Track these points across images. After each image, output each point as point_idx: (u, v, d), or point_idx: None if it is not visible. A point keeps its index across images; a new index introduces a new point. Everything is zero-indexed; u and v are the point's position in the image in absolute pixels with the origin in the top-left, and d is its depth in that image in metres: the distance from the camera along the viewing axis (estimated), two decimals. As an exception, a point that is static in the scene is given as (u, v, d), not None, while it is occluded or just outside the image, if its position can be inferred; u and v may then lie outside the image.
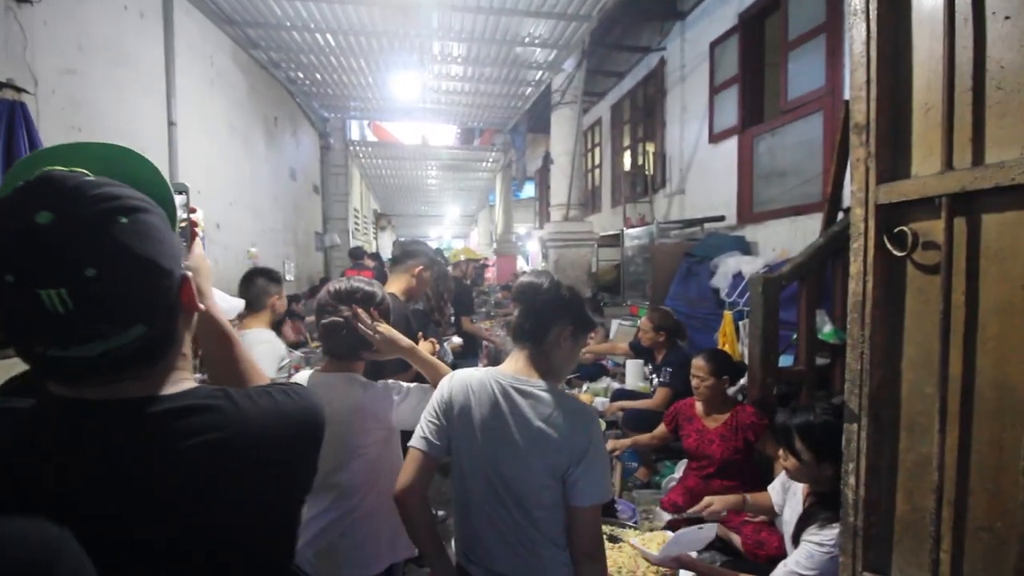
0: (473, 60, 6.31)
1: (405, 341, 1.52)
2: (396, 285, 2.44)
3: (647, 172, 6.91)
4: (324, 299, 1.52)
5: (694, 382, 2.46)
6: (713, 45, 5.32)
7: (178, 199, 0.82)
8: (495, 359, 4.84)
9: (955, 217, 1.05)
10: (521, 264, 12.22)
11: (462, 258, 5.60)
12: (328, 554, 1.43)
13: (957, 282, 1.04)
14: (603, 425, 3.34)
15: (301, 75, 6.88)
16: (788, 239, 4.18)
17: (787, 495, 1.85)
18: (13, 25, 2.58)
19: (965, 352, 1.03)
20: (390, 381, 1.53)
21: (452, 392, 1.28)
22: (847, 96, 3.49)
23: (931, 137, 1.10)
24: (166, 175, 3.08)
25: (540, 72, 6.71)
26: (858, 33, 1.21)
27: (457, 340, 3.61)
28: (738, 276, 3.95)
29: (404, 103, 7.90)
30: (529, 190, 14.51)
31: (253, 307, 2.51)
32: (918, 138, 1.14)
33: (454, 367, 4.41)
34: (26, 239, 0.53)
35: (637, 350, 3.80)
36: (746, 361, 2.75)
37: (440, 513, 2.89)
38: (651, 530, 2.16)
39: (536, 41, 5.71)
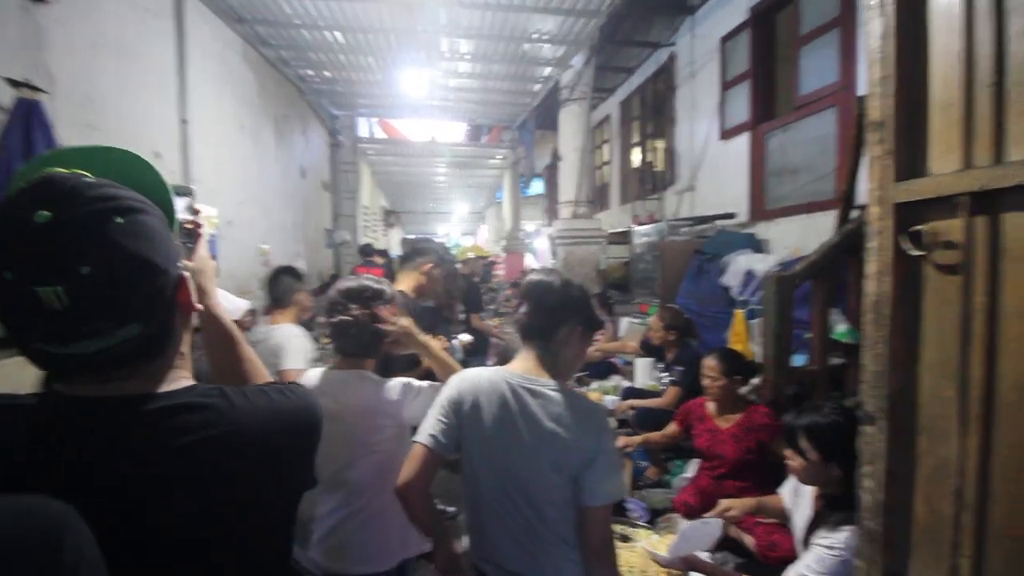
0: (481, 57, 6.30)
1: (422, 336, 1.56)
2: (406, 283, 2.45)
3: (656, 169, 6.86)
4: (334, 297, 1.53)
5: (706, 382, 2.45)
6: (724, 40, 5.26)
7: (183, 201, 0.85)
8: (504, 356, 4.84)
9: (975, 216, 1.03)
10: (530, 261, 12.21)
11: (471, 255, 5.61)
12: (340, 550, 1.45)
13: (977, 283, 1.02)
14: (613, 423, 3.33)
15: (311, 73, 6.90)
16: (800, 237, 4.13)
17: (797, 498, 1.83)
18: (29, 25, 2.61)
19: (986, 354, 1.01)
20: (402, 379, 1.53)
21: (462, 391, 1.28)
22: (861, 92, 3.45)
23: (950, 134, 1.08)
24: (179, 173, 3.13)
25: (548, 68, 6.68)
26: (874, 28, 1.19)
27: (467, 337, 3.62)
28: (749, 274, 3.92)
29: (413, 100, 7.90)
30: (537, 187, 14.47)
31: (280, 304, 2.65)
32: (936, 135, 1.12)
33: (464, 364, 4.42)
34: (25, 237, 0.54)
35: (647, 348, 3.79)
36: (758, 360, 2.72)
37: (451, 509, 2.89)
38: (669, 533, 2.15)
39: (544, 37, 5.68)
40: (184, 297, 0.67)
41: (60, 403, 0.62)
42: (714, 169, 5.56)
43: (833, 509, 1.58)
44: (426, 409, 1.44)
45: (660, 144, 6.86)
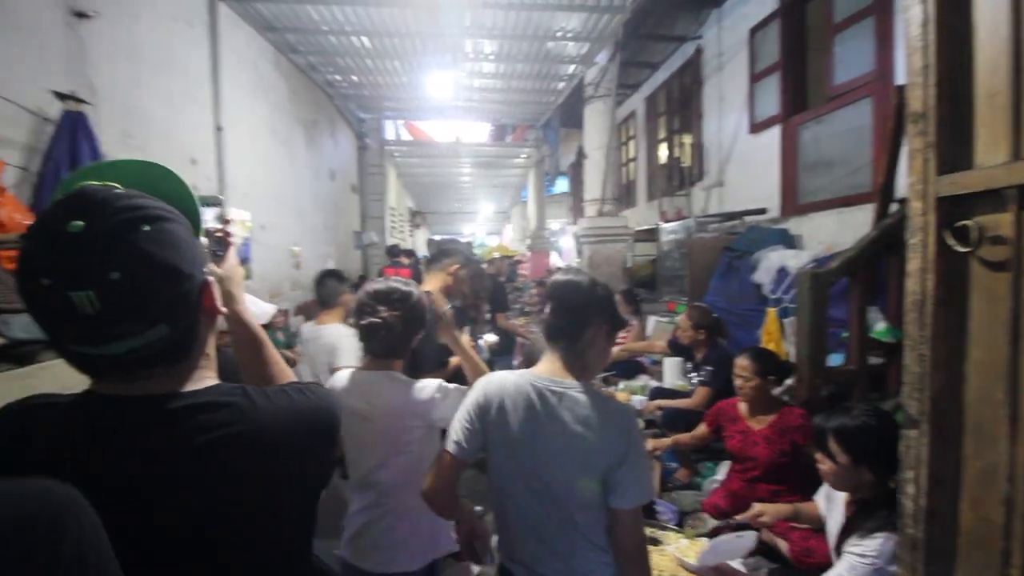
0: (505, 57, 6.31)
1: (457, 331, 1.70)
2: (433, 283, 2.48)
3: (684, 165, 6.75)
4: (363, 299, 1.55)
5: (738, 382, 2.39)
6: (753, 31, 5.14)
7: (212, 211, 0.91)
8: (530, 357, 4.84)
9: (1025, 210, 0.98)
10: (555, 260, 12.18)
11: (496, 255, 5.63)
12: (370, 549, 1.47)
13: (1029, 279, 0.98)
14: (641, 424, 3.30)
15: (339, 78, 7.03)
16: (835, 232, 4.01)
17: (830, 503, 1.78)
18: (73, 40, 2.73)
19: (1038, 355, 0.96)
20: (431, 380, 1.55)
21: (488, 395, 1.27)
22: (899, 81, 3.33)
23: (997, 125, 1.03)
24: (214, 179, 3.24)
25: (572, 66, 6.64)
26: (914, 15, 1.14)
27: (493, 337, 3.63)
28: (782, 271, 3.82)
29: (438, 102, 7.97)
30: (562, 185, 14.43)
31: (327, 305, 2.85)
32: (982, 126, 1.07)
33: (490, 364, 4.45)
34: (60, 246, 0.58)
35: (675, 348, 3.73)
36: (792, 360, 2.66)
37: (478, 508, 2.90)
38: (697, 535, 2.12)
39: (568, 35, 5.65)
40: (208, 301, 0.71)
41: (92, 402, 0.66)
42: (743, 164, 5.44)
43: (865, 515, 1.53)
44: (454, 412, 1.45)
45: (687, 139, 6.75)
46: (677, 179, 6.99)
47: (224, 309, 0.77)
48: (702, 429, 2.62)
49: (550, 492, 1.18)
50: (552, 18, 5.28)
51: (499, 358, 4.58)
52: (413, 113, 9.35)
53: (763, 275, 3.98)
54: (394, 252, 7.73)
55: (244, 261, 4.63)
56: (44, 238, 0.60)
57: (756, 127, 5.15)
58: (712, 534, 2.15)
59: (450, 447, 1.28)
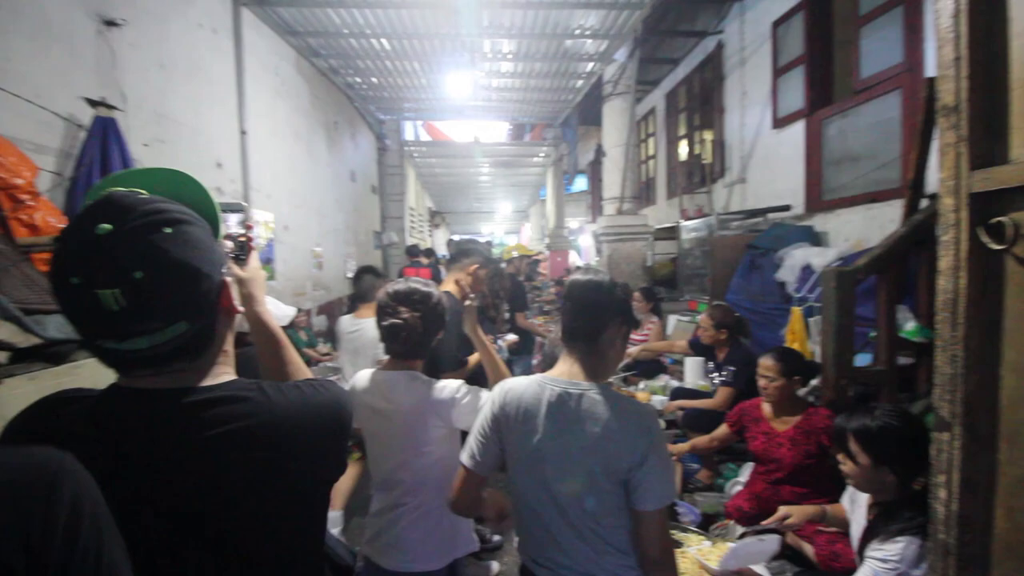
0: (523, 56, 6.31)
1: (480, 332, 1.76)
2: (452, 283, 2.49)
3: (704, 161, 6.65)
4: (383, 300, 1.57)
5: (762, 382, 2.35)
6: (776, 25, 5.04)
7: (235, 217, 0.95)
8: (550, 355, 4.83)
9: (1065, 206, 0.94)
10: (574, 259, 12.13)
11: (515, 254, 5.63)
12: (391, 547, 1.48)
13: (1068, 278, 0.94)
14: (662, 424, 3.27)
15: (359, 80, 7.11)
16: (862, 229, 3.91)
17: (853, 506, 1.74)
18: (104, 48, 2.82)
19: (1079, 356, 0.92)
20: (451, 380, 1.56)
21: (504, 403, 1.27)
22: (929, 73, 3.23)
23: (1035, 117, 1.00)
24: (239, 181, 3.33)
25: (591, 64, 6.60)
26: (945, 5, 1.11)
27: (512, 337, 3.63)
28: (807, 269, 3.74)
29: (456, 102, 8.01)
30: (581, 184, 14.36)
31: (364, 299, 3.04)
32: (1017, 119, 1.03)
33: (509, 364, 4.44)
34: (88, 247, 0.63)
35: (697, 348, 3.68)
36: (818, 360, 2.60)
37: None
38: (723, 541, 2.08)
39: (587, 32, 5.62)
40: (226, 300, 0.75)
41: (116, 394, 0.70)
42: (766, 159, 5.34)
43: (888, 518, 1.49)
44: (472, 413, 1.46)
45: (708, 136, 6.65)
46: (698, 176, 6.89)
47: (241, 308, 0.80)
48: (723, 430, 2.58)
49: (572, 497, 1.17)
50: (570, 16, 5.25)
51: (518, 357, 4.59)
52: (432, 114, 9.40)
53: (787, 273, 3.91)
54: (413, 252, 7.79)
55: (267, 262, 4.72)
56: (74, 240, 0.64)
57: (779, 122, 5.05)
58: (734, 514, 2.11)
59: (466, 461, 1.30)
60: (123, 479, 0.65)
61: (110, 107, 2.69)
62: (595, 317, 1.26)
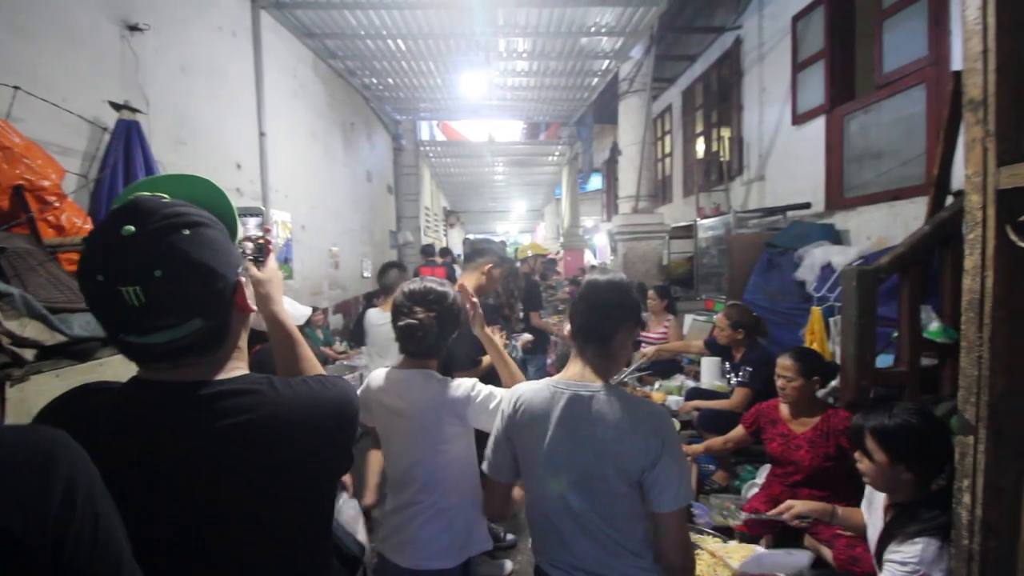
0: (538, 54, 6.30)
1: (489, 332, 1.73)
2: (467, 282, 2.50)
3: (722, 159, 6.57)
4: (400, 300, 1.57)
5: (780, 383, 2.31)
6: (795, 19, 4.95)
7: (253, 220, 1.02)
8: (563, 355, 4.82)
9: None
10: (589, 258, 12.08)
11: (530, 253, 5.63)
12: (406, 545, 1.49)
13: (1101, 277, 0.91)
14: (677, 425, 3.24)
15: (375, 81, 7.17)
16: (885, 226, 3.82)
17: (871, 509, 1.71)
18: (127, 52, 2.88)
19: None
20: (466, 379, 1.56)
21: (515, 409, 1.27)
22: (955, 67, 3.14)
23: (1066, 111, 0.96)
24: (257, 182, 3.40)
25: (607, 61, 6.57)
26: (972, -2, 1.08)
27: (527, 336, 3.63)
28: (827, 268, 3.67)
29: (471, 101, 8.03)
30: (596, 182, 14.29)
31: (389, 292, 3.21)
32: (1048, 113, 1.00)
33: (523, 363, 4.40)
34: (113, 247, 0.67)
35: (713, 348, 3.64)
36: (838, 361, 2.55)
37: (510, 536, 2.87)
38: (732, 529, 2.06)
39: (602, 30, 5.59)
40: (241, 299, 0.78)
41: (136, 386, 0.74)
42: (785, 157, 5.26)
43: (906, 519, 1.46)
44: (487, 411, 1.46)
45: (726, 133, 6.56)
46: (715, 174, 6.81)
47: (255, 307, 0.84)
48: (739, 432, 2.55)
49: (586, 501, 1.17)
50: (586, 13, 5.23)
51: (533, 357, 4.59)
52: (447, 113, 9.44)
53: (806, 272, 3.84)
54: (428, 251, 7.83)
55: (285, 261, 4.79)
56: (101, 240, 0.69)
57: (799, 118, 4.96)
58: (744, 526, 2.08)
59: (485, 468, 1.34)
60: (141, 464, 0.69)
61: (133, 110, 2.75)
62: (610, 318, 1.25)
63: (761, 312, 3.65)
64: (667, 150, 8.78)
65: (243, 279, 0.79)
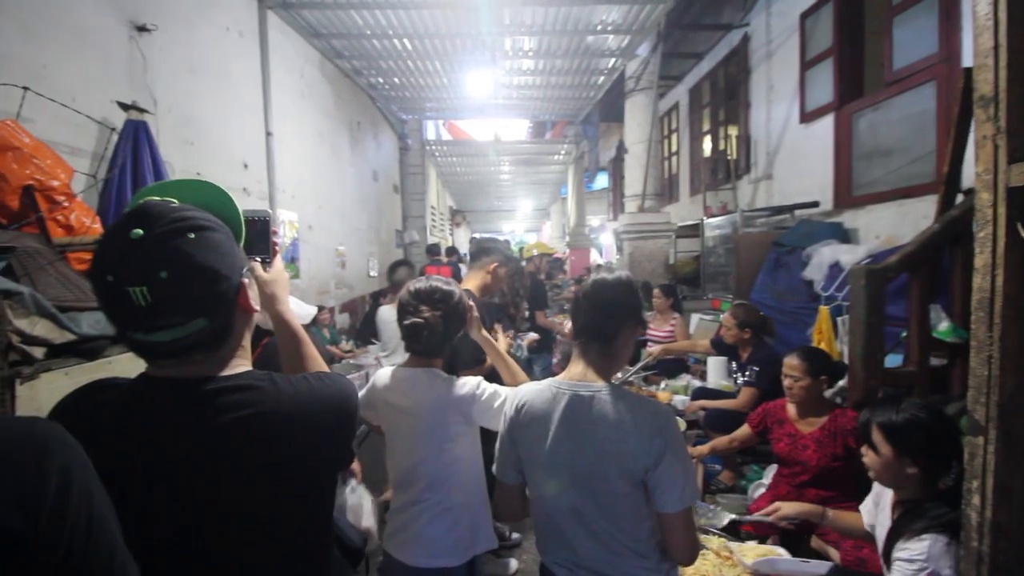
0: (544, 53, 6.28)
1: (486, 334, 1.71)
2: (472, 281, 2.50)
3: (729, 157, 6.53)
4: (405, 299, 1.58)
5: (787, 382, 2.30)
6: (804, 16, 4.91)
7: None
8: (568, 353, 4.80)
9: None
10: (595, 257, 12.06)
11: (535, 252, 5.62)
12: (413, 543, 1.50)
13: (1114, 276, 0.89)
14: (683, 424, 3.22)
15: (381, 80, 7.19)
16: (894, 225, 3.79)
17: (878, 508, 1.69)
18: (135, 52, 2.90)
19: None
20: (470, 377, 1.56)
21: (517, 411, 1.27)
22: (966, 63, 3.11)
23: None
24: (264, 182, 3.43)
25: (613, 60, 6.54)
26: (983, -8, 1.06)
27: (533, 335, 3.63)
28: (835, 267, 3.64)
29: (477, 100, 8.03)
30: (602, 181, 14.25)
31: (397, 290, 3.23)
32: (1060, 109, 0.99)
33: (528, 362, 4.40)
34: (122, 249, 0.70)
35: (720, 347, 3.62)
36: (846, 361, 2.53)
37: (515, 535, 2.87)
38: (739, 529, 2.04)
39: (609, 28, 5.57)
40: (244, 300, 0.80)
41: (143, 382, 0.78)
42: (793, 155, 5.22)
43: (913, 517, 1.44)
44: (491, 409, 1.47)
45: (733, 131, 6.52)
46: (722, 172, 6.77)
47: (257, 307, 0.86)
48: (744, 431, 2.53)
49: (589, 502, 1.16)
50: (592, 11, 5.21)
51: (538, 356, 4.58)
52: (453, 113, 9.45)
53: (815, 271, 3.81)
54: (434, 251, 7.84)
55: (292, 260, 4.81)
56: (111, 243, 0.72)
57: (807, 116, 4.92)
58: (729, 527, 2.07)
59: (495, 471, 1.34)
60: (144, 459, 0.73)
61: (141, 110, 2.77)
62: (614, 318, 1.24)
63: (768, 311, 3.63)
64: (674, 148, 8.74)
65: (246, 280, 0.81)
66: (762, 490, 2.50)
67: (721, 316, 3.93)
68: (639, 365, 3.96)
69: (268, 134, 4.39)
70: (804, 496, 2.17)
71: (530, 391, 1.28)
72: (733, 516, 2.04)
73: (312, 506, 0.84)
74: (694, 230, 6.34)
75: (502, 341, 2.15)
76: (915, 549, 1.34)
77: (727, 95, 6.67)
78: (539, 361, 4.62)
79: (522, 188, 16.03)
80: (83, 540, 0.50)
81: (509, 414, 1.30)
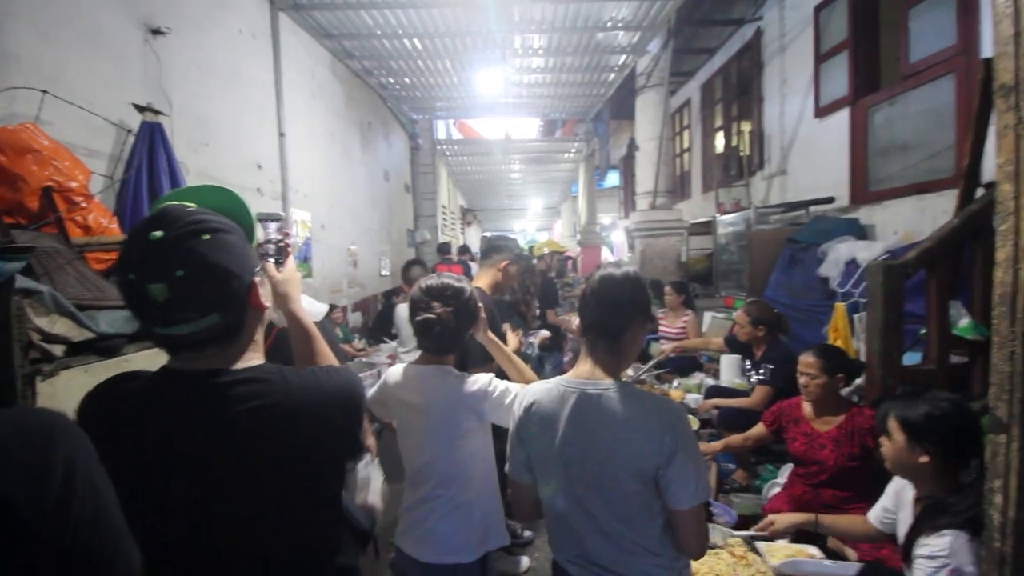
0: (554, 50, 6.26)
1: (492, 335, 1.72)
2: (483, 279, 2.50)
3: (742, 153, 6.46)
4: (417, 296, 1.58)
5: (802, 380, 2.26)
6: (818, 9, 4.84)
7: (273, 225, 1.12)
8: (578, 351, 4.79)
9: None
10: (606, 255, 12.00)
11: (546, 251, 5.61)
12: (426, 540, 1.50)
13: None
14: (696, 423, 3.19)
15: (392, 80, 7.21)
16: (912, 220, 3.72)
17: (900, 505, 1.67)
18: (150, 55, 2.94)
19: None
20: (482, 374, 1.56)
21: (525, 410, 1.27)
22: (985, 53, 3.04)
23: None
24: (277, 182, 3.48)
25: (623, 56, 6.50)
26: (1004, -21, 1.03)
27: (545, 333, 3.63)
28: (852, 263, 3.59)
29: (487, 99, 8.02)
30: (613, 179, 14.18)
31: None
32: (1087, 97, 0.96)
33: (539, 360, 4.40)
34: (143, 250, 0.76)
35: (733, 345, 3.58)
36: (863, 358, 2.49)
37: (528, 533, 2.86)
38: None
39: (619, 24, 5.53)
40: (255, 299, 0.86)
41: (163, 374, 0.83)
42: (808, 150, 5.15)
43: (934, 513, 1.41)
44: (501, 407, 1.46)
45: (746, 127, 6.45)
46: (735, 169, 6.71)
47: (268, 304, 0.90)
48: (758, 429, 2.50)
49: (599, 500, 1.16)
50: (602, 8, 5.18)
51: (549, 354, 4.57)
52: (463, 112, 9.45)
53: (830, 268, 3.76)
54: (445, 250, 7.86)
55: (305, 260, 4.85)
56: (134, 244, 0.78)
57: (822, 111, 4.85)
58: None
59: (507, 470, 1.34)
60: (163, 450, 0.78)
61: (156, 112, 2.81)
62: (622, 314, 1.23)
63: (783, 309, 3.59)
64: (685, 145, 8.67)
65: (258, 279, 0.86)
66: (777, 489, 2.48)
67: (734, 314, 3.89)
68: (651, 363, 3.93)
69: (281, 135, 4.43)
70: (820, 496, 2.15)
71: (538, 390, 1.28)
72: (733, 533, 2.00)
73: (320, 488, 0.87)
74: (706, 227, 6.29)
75: (512, 339, 2.15)
76: (936, 545, 1.31)
77: (740, 90, 6.59)
78: (550, 359, 4.61)
79: (533, 187, 16.01)
80: (89, 527, 0.52)
81: (518, 414, 1.30)
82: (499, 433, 1.52)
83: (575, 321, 1.41)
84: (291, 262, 1.13)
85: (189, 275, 0.75)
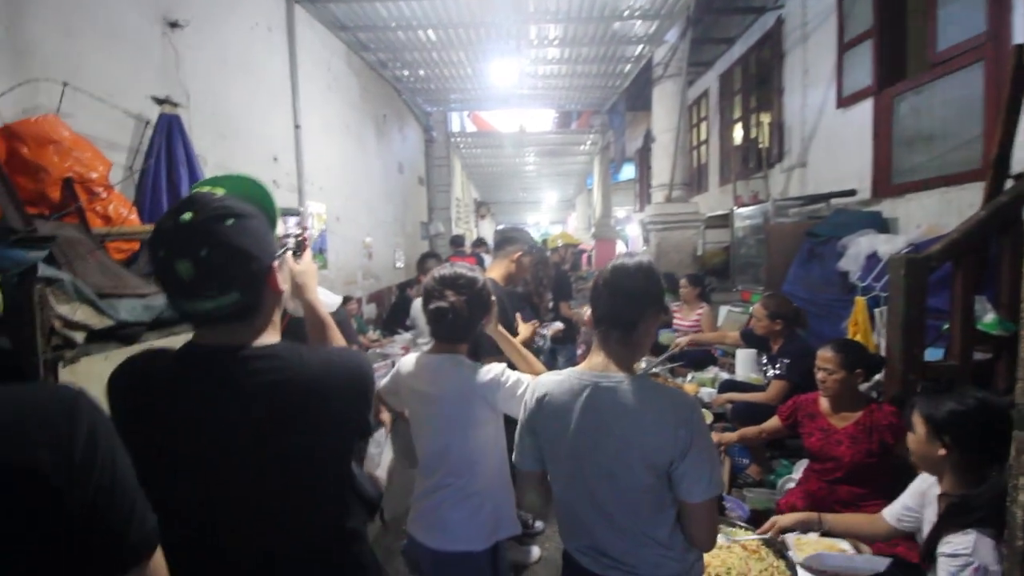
0: (570, 41, 6.20)
1: (500, 328, 1.74)
2: (496, 271, 2.50)
3: (761, 145, 6.34)
4: (430, 285, 1.59)
5: (820, 375, 2.23)
6: (842, -4, 4.71)
7: (293, 219, 1.19)
8: (591, 343, 4.77)
9: None
10: (621, 248, 11.92)
11: (560, 243, 5.58)
12: (437, 528, 1.52)
13: None
14: (710, 417, 3.17)
15: (406, 72, 7.21)
16: (937, 213, 3.62)
17: (924, 503, 1.64)
18: (168, 48, 2.98)
19: None
20: (494, 364, 1.56)
21: (537, 401, 1.26)
22: (1017, 40, 2.93)
23: None
24: (293, 174, 3.53)
25: (640, 47, 6.41)
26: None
27: (558, 325, 3.61)
28: (873, 257, 3.51)
29: (502, 91, 7.98)
30: (628, 172, 14.03)
31: None
32: None
33: (552, 353, 4.39)
34: (174, 230, 0.83)
35: (749, 339, 3.54)
36: (883, 354, 2.44)
37: (539, 524, 2.86)
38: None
39: (636, 13, 5.45)
40: (273, 281, 0.91)
41: (189, 349, 0.90)
42: (829, 142, 5.04)
43: (958, 511, 1.38)
44: (513, 397, 1.46)
45: (765, 118, 6.32)
46: (753, 161, 6.59)
47: (284, 287, 0.96)
48: (773, 423, 2.47)
49: (612, 492, 1.15)
50: (619, -3, 5.11)
51: (562, 346, 4.56)
52: (478, 103, 9.42)
53: (851, 262, 3.68)
54: (458, 242, 7.87)
55: (320, 251, 4.89)
56: (166, 225, 0.85)
57: (845, 101, 4.73)
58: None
59: (515, 460, 1.35)
60: (189, 410, 0.85)
61: (175, 105, 2.85)
62: (634, 304, 1.21)
63: (801, 304, 3.53)
64: (703, 137, 8.54)
65: (276, 264, 0.92)
66: (791, 485, 2.45)
67: (751, 308, 3.84)
68: (665, 355, 3.90)
69: (296, 127, 4.46)
70: (836, 492, 2.11)
71: (551, 382, 1.27)
72: (737, 537, 1.97)
73: (330, 459, 0.92)
74: (723, 220, 6.20)
75: (525, 329, 2.14)
76: (959, 543, 1.28)
77: (759, 80, 6.46)
78: (563, 352, 4.60)
79: (547, 179, 15.93)
80: (108, 492, 0.54)
81: (530, 405, 1.29)
82: (510, 423, 1.52)
83: (587, 313, 1.40)
84: (308, 254, 1.20)
85: (213, 255, 0.81)
